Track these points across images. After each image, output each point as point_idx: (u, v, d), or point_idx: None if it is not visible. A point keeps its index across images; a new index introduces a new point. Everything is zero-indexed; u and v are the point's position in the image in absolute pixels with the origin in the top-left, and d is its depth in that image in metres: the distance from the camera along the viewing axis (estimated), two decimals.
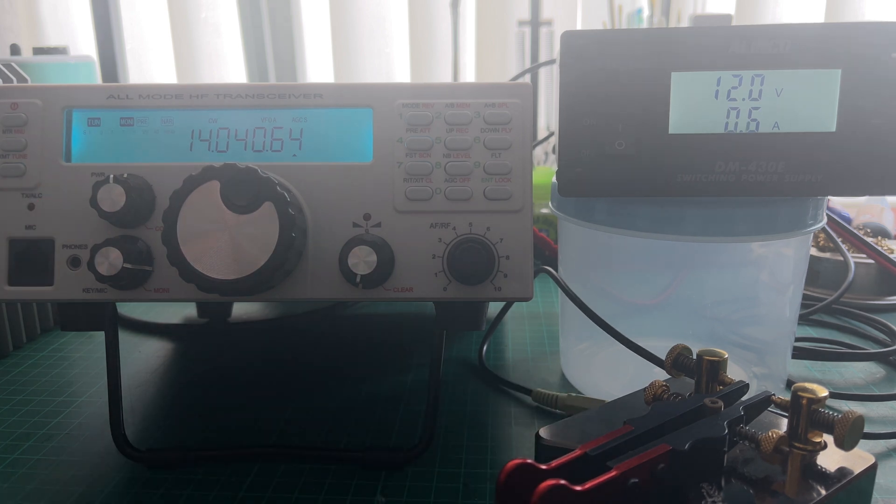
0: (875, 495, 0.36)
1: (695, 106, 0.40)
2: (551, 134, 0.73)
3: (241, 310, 0.67)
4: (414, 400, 0.48)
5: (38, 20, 1.34)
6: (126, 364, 0.54)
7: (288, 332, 0.63)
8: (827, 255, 0.68)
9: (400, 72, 1.36)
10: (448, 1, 1.30)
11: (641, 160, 0.41)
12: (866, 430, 0.41)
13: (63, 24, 1.36)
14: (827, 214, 0.51)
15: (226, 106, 0.38)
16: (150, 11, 1.36)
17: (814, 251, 0.68)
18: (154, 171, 0.37)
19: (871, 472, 0.29)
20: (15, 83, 0.55)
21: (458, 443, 0.42)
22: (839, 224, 0.63)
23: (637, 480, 0.24)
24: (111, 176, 0.36)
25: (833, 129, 0.40)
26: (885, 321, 0.59)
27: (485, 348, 0.55)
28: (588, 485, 0.23)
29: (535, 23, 1.22)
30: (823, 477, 0.28)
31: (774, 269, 0.47)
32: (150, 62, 1.38)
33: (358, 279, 0.36)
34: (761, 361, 0.49)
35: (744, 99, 0.40)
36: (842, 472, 0.28)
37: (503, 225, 0.37)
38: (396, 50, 1.35)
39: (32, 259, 0.37)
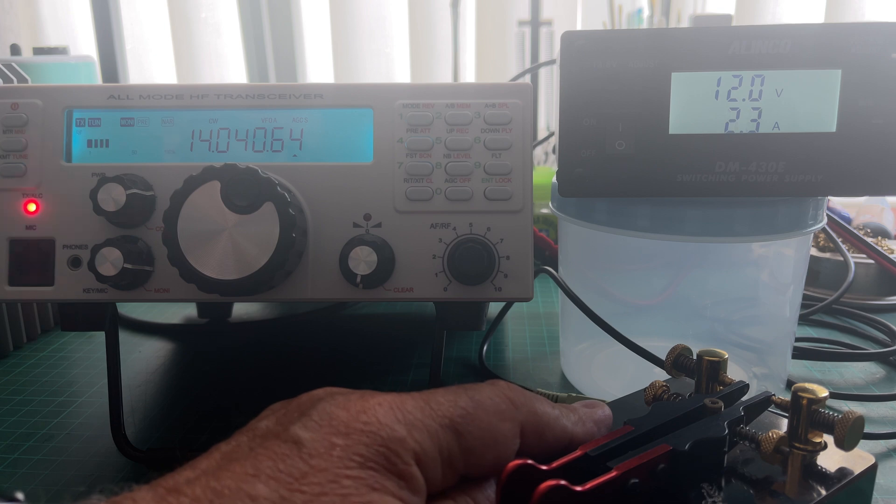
0: (875, 495, 0.36)
1: (695, 106, 0.40)
2: (551, 134, 0.73)
3: (241, 310, 0.67)
4: None
5: (38, 20, 1.34)
6: (126, 364, 0.54)
7: (288, 332, 0.63)
8: (827, 255, 0.68)
9: (400, 72, 1.36)
10: (448, 1, 1.30)
11: (641, 160, 0.41)
12: (866, 430, 0.41)
13: (63, 24, 1.36)
14: (827, 214, 0.51)
15: (226, 106, 0.38)
16: (150, 11, 1.36)
17: (814, 251, 0.68)
18: (154, 171, 0.37)
19: (871, 472, 0.29)
20: (15, 83, 0.55)
21: None
22: (839, 224, 0.63)
23: (637, 480, 0.24)
24: (112, 176, 0.36)
25: (833, 129, 0.40)
26: (885, 321, 0.59)
27: (485, 348, 0.55)
28: (588, 485, 0.23)
29: (535, 23, 1.22)
30: (823, 477, 0.28)
31: (774, 269, 0.47)
32: (150, 62, 1.38)
33: (358, 279, 0.36)
34: (761, 361, 0.49)
35: (744, 99, 0.40)
36: (842, 472, 0.28)
37: (503, 225, 0.37)
38: (396, 50, 1.35)
39: (32, 259, 0.37)
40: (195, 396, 0.49)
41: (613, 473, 0.24)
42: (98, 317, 0.40)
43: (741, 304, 0.49)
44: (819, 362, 0.53)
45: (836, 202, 0.80)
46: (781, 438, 0.27)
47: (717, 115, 0.40)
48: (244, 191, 0.34)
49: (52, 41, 1.34)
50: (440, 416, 0.23)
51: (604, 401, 0.31)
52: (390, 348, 0.58)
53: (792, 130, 0.40)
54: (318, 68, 1.41)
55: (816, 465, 0.28)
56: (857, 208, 0.83)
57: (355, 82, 0.39)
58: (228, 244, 0.34)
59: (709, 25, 0.54)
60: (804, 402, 0.28)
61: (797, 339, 0.54)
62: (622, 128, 0.40)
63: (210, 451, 0.22)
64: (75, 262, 0.37)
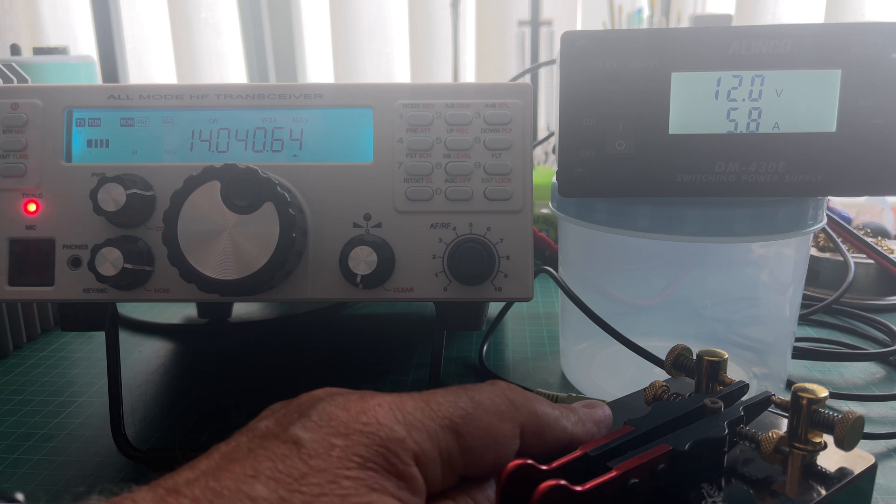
0: (875, 495, 0.36)
1: (695, 106, 0.40)
2: (551, 134, 0.73)
3: (241, 310, 0.67)
4: None
5: (38, 20, 1.34)
6: (126, 364, 0.54)
7: (288, 332, 0.63)
8: (827, 255, 0.68)
9: (400, 72, 1.36)
10: (448, 1, 1.30)
11: (641, 160, 0.41)
12: (866, 430, 0.41)
13: (63, 24, 1.36)
14: (827, 214, 0.51)
15: (226, 106, 0.38)
16: (150, 11, 1.36)
17: (814, 251, 0.68)
18: (154, 171, 0.37)
19: (871, 472, 0.29)
20: (15, 83, 0.55)
21: None
22: (839, 224, 0.63)
23: (637, 480, 0.24)
24: (112, 176, 0.36)
25: (833, 129, 0.40)
26: (885, 321, 0.59)
27: (485, 348, 0.55)
28: (588, 485, 0.23)
29: (535, 23, 1.22)
30: (823, 477, 0.28)
31: (774, 269, 0.47)
32: (150, 62, 1.38)
33: (358, 279, 0.36)
34: (761, 361, 0.49)
35: (744, 99, 0.40)
36: (842, 472, 0.28)
37: (503, 225, 0.37)
38: (396, 50, 1.35)
39: (32, 259, 0.37)
40: (195, 396, 0.49)
41: (613, 473, 0.24)
42: (98, 317, 0.40)
43: (741, 304, 0.49)
44: (819, 362, 0.53)
45: (836, 202, 0.80)
46: (781, 438, 0.27)
47: (717, 115, 0.40)
48: (244, 191, 0.34)
49: (52, 41, 1.34)
50: (440, 416, 0.23)
51: (604, 401, 0.31)
52: (390, 348, 0.58)
53: (792, 130, 0.40)
54: (318, 68, 1.41)
55: (816, 465, 0.28)
56: (857, 208, 0.83)
57: (355, 82, 0.39)
58: (228, 244, 0.34)
59: (709, 25, 0.54)
60: (804, 402, 0.28)
61: (797, 339, 0.54)
62: (622, 128, 0.40)
63: (210, 452, 0.22)
64: (75, 262, 0.37)
